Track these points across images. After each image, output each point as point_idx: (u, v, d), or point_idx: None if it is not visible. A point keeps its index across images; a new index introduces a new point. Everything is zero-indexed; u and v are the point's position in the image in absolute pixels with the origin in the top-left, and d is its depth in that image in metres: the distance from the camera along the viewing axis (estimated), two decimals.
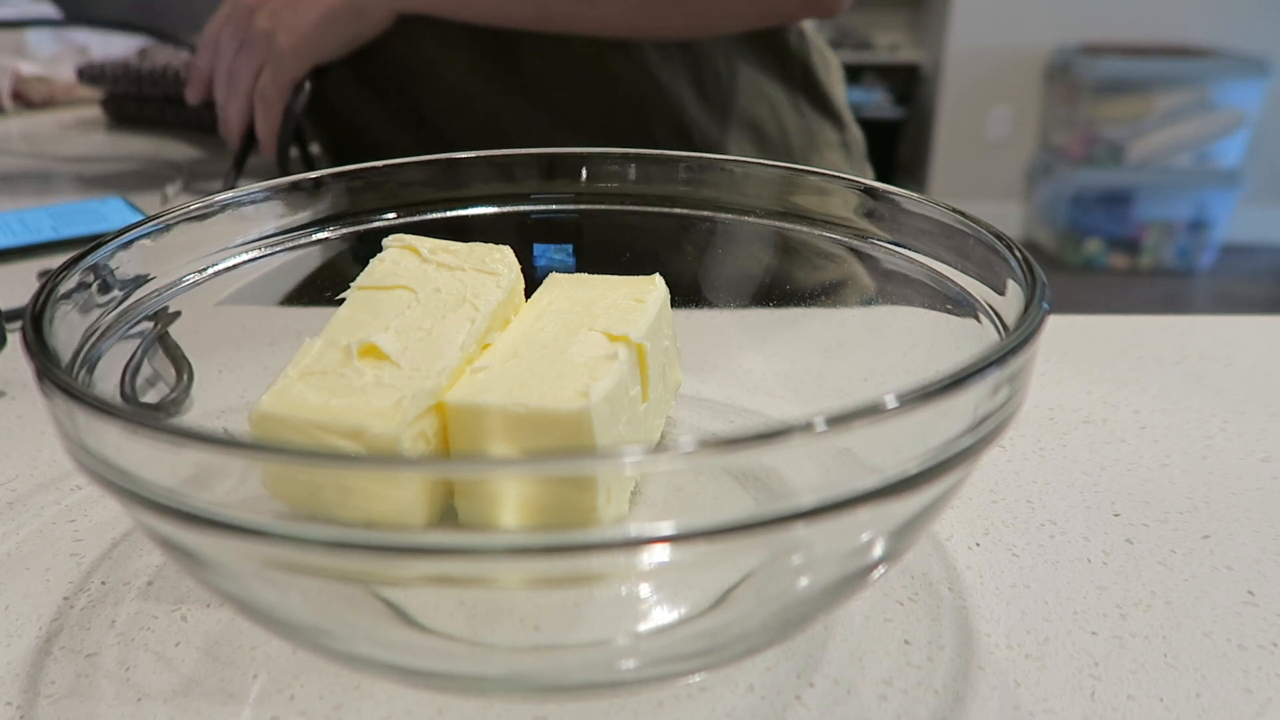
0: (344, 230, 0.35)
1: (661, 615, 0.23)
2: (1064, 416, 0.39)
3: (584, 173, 0.37)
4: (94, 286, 0.27)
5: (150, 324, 0.30)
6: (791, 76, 0.70)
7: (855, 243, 0.33)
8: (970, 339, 0.28)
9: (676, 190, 0.37)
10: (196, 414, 0.33)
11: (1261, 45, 2.69)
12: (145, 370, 0.31)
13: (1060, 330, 0.46)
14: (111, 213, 0.64)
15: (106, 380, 0.27)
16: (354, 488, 0.20)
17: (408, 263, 0.31)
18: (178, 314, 0.31)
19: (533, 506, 0.22)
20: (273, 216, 0.33)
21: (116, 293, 0.28)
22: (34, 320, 0.23)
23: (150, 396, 0.33)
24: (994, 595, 0.28)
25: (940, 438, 0.20)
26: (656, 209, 0.37)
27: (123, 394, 0.30)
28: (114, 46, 1.20)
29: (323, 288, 0.33)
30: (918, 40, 3.26)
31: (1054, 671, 0.25)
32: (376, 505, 0.20)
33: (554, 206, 0.38)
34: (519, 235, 0.37)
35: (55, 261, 0.57)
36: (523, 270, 0.33)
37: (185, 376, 0.34)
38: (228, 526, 0.18)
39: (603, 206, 0.37)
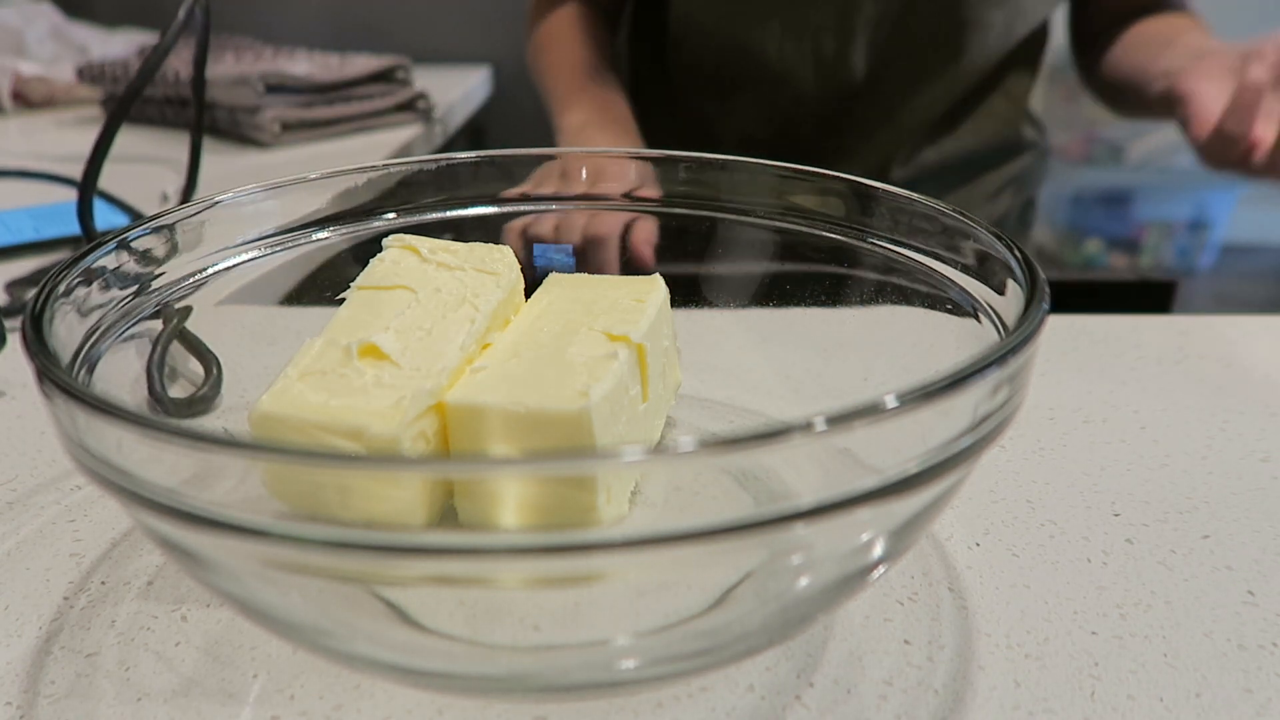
0: (344, 230, 0.35)
1: (661, 615, 0.23)
2: (1064, 416, 0.39)
3: (583, 173, 0.37)
4: (94, 286, 0.27)
5: (150, 324, 0.30)
6: None
7: (855, 242, 0.33)
8: (970, 339, 0.28)
9: (676, 190, 0.37)
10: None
11: None
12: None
13: (1060, 330, 0.46)
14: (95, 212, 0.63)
15: (115, 379, 0.27)
16: (354, 488, 0.20)
17: (408, 263, 0.31)
18: (189, 309, 0.31)
19: (532, 506, 0.22)
20: (273, 216, 0.33)
21: (116, 293, 0.28)
22: (34, 320, 0.23)
23: (173, 392, 0.33)
24: (994, 595, 0.28)
25: (940, 438, 0.20)
26: (656, 209, 0.37)
27: (151, 391, 0.30)
28: (114, 46, 1.20)
29: (323, 288, 0.33)
30: None
31: (1054, 671, 0.25)
32: (376, 505, 0.20)
33: (554, 206, 0.38)
34: (519, 235, 0.37)
35: (35, 264, 0.57)
36: (523, 270, 0.33)
37: (215, 370, 0.34)
38: (228, 526, 0.18)
39: (603, 207, 0.37)
